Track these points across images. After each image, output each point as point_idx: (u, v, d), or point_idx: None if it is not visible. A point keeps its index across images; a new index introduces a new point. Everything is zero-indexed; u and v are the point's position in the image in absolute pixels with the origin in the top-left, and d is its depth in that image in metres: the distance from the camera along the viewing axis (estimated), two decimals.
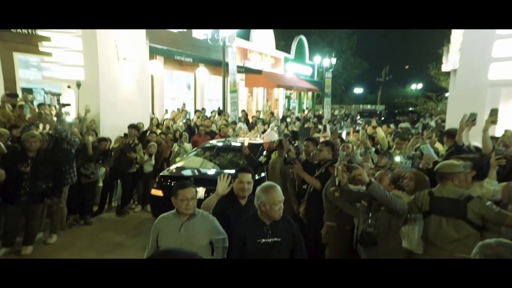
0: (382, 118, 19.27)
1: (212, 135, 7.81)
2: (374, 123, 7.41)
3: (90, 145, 4.94)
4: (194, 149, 6.00)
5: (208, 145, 5.74)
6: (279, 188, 2.20)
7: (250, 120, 11.56)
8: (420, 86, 30.98)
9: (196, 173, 4.98)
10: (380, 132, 5.78)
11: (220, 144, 5.77)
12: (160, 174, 4.94)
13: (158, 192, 4.61)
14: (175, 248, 0.90)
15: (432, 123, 12.37)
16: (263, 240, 2.16)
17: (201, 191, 4.42)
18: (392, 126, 9.26)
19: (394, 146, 4.79)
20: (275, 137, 4.81)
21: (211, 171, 4.86)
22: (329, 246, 3.18)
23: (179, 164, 5.20)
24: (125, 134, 5.65)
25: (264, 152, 4.87)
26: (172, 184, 4.43)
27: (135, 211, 5.72)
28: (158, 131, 6.95)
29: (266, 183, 2.26)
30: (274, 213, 2.15)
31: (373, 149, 4.33)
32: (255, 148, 5.14)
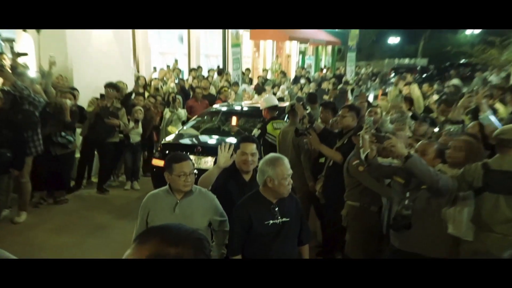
0: (424, 75, 18.14)
1: (211, 99, 7.74)
2: (409, 78, 7.07)
3: (68, 110, 4.81)
4: (199, 114, 6.12)
5: (214, 109, 5.94)
6: (286, 160, 2.23)
7: (256, 81, 11.38)
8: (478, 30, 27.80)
9: (203, 141, 5.13)
10: (415, 90, 5.55)
11: (229, 108, 5.96)
12: (162, 142, 5.13)
13: (161, 163, 4.72)
14: (173, 224, 0.90)
15: (493, 78, 11.68)
16: (271, 222, 2.22)
17: (209, 161, 4.58)
18: (436, 85, 8.70)
19: (438, 113, 4.59)
20: (274, 101, 4.69)
21: (220, 139, 4.92)
22: (350, 229, 3.19)
23: (182, 131, 5.38)
24: (101, 96, 5.49)
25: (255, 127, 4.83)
26: None
27: (125, 188, 5.78)
28: (146, 94, 6.86)
29: (272, 155, 2.29)
30: (283, 189, 2.18)
31: (409, 113, 4.18)
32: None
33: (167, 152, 4.85)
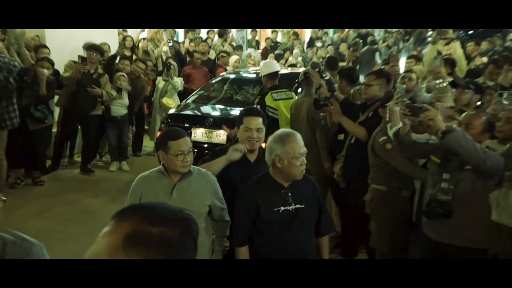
0: (471, 32, 17.06)
1: (211, 65, 7.64)
2: (450, 34, 6.65)
3: (44, 81, 4.73)
4: (208, 83, 6.21)
5: (224, 77, 6.06)
6: (299, 136, 2.21)
7: (263, 45, 11.18)
8: None
9: (215, 112, 5.24)
10: (457, 49, 5.31)
11: (242, 75, 6.12)
12: (169, 113, 5.34)
13: None
14: (158, 202, 0.92)
15: None
16: (282, 208, 2.21)
17: (222, 135, 4.70)
18: (486, 44, 8.17)
19: (486, 77, 4.44)
20: (274, 67, 4.57)
21: (234, 110, 4.98)
22: (375, 217, 3.16)
23: (190, 100, 5.53)
24: (82, 59, 5.37)
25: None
26: (186, 125, 4.91)
27: (110, 170, 5.80)
28: (134, 57, 6.75)
29: (282, 130, 2.30)
30: (295, 170, 2.15)
31: (450, 79, 4.05)
32: (288, 79, 5.13)
33: (174, 124, 4.98)
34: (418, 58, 6.21)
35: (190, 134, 4.81)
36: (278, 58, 8.97)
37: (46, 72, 4.78)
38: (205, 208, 2.34)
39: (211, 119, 4.85)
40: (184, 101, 5.73)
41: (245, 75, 6.19)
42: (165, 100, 6.42)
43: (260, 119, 2.60)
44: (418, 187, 3.04)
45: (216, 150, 2.78)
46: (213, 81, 6.09)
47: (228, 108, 5.21)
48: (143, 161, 6.19)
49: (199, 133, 4.86)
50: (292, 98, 4.46)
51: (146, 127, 7.16)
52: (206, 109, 5.33)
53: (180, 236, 0.83)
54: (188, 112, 5.25)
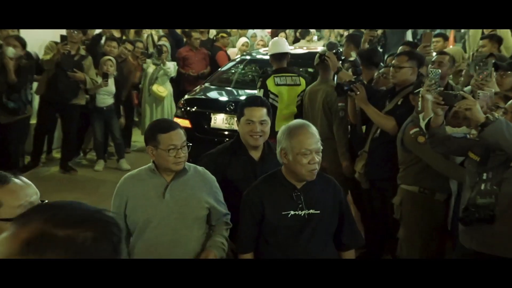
0: None
1: (210, 46, 7.60)
2: None
3: (11, 65, 4.69)
4: (225, 65, 6.33)
5: (239, 59, 6.20)
6: (313, 129, 2.20)
7: None
8: None
9: (236, 96, 5.40)
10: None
11: (264, 55, 6.21)
12: (186, 97, 5.51)
13: (184, 123, 4.97)
14: (73, 202, 0.91)
15: None
16: (292, 213, 2.21)
17: None
18: None
19: None
20: (282, 47, 4.56)
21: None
22: (405, 223, 3.14)
23: (207, 84, 5.71)
24: (62, 38, 5.34)
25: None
26: (205, 111, 5.04)
27: (95, 169, 5.83)
28: (124, 38, 6.74)
29: (296, 120, 2.33)
30: (301, 169, 2.14)
31: (492, 60, 3.99)
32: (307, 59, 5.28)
33: (192, 109, 5.11)
34: (445, 37, 6.13)
35: (209, 120, 5.04)
36: (304, 34, 8.86)
37: (13, 51, 4.70)
38: (203, 211, 2.33)
39: (233, 104, 4.91)
40: (202, 84, 5.89)
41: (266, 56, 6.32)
42: (155, 87, 6.42)
43: (264, 110, 2.59)
44: (455, 189, 3.02)
45: (213, 152, 2.73)
46: (233, 63, 6.25)
47: (251, 92, 5.23)
48: (136, 158, 6.19)
49: (219, 119, 5.00)
50: (300, 84, 4.45)
51: (136, 119, 7.15)
52: (226, 92, 5.48)
53: (94, 240, 0.81)
54: (207, 96, 5.40)
